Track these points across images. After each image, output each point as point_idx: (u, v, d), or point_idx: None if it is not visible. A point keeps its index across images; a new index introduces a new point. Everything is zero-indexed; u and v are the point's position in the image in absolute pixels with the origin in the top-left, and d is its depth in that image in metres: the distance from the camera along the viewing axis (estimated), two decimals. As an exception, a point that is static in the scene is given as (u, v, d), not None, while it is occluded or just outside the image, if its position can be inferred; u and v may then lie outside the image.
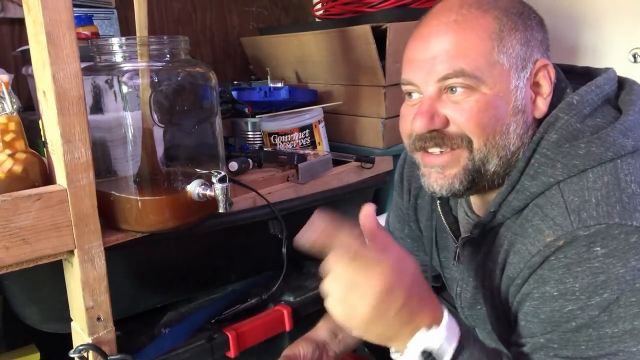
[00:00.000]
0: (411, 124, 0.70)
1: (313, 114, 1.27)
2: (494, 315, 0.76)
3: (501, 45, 0.66)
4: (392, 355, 0.63)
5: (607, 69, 0.73)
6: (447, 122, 0.68)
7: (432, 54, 0.67)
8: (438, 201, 0.83)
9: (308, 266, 1.24)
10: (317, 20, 1.53)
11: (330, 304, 0.59)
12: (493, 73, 0.66)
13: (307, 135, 1.25)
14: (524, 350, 0.66)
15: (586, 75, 0.76)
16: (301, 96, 1.35)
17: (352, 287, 0.57)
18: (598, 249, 0.60)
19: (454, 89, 0.67)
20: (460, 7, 0.68)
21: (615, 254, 0.59)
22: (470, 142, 0.67)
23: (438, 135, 0.68)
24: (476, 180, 0.70)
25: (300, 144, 1.25)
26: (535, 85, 0.69)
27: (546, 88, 0.69)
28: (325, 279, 0.60)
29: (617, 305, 0.59)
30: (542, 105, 0.69)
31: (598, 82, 0.69)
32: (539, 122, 0.69)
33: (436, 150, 0.70)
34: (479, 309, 0.82)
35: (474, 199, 0.78)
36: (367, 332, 0.59)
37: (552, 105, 0.69)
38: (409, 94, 0.73)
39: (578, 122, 0.66)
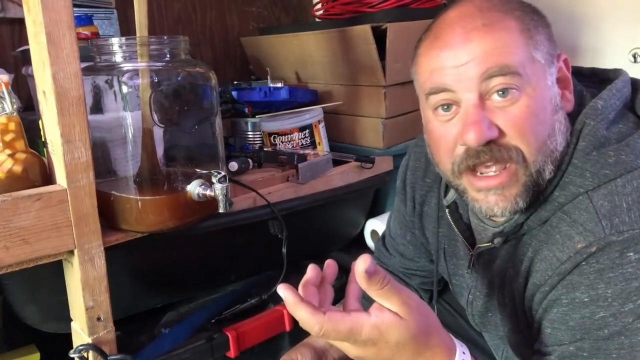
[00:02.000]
0: (463, 137, 0.63)
1: (313, 114, 1.27)
2: (512, 324, 0.75)
3: (533, 42, 0.63)
4: None
5: (616, 71, 0.72)
6: (500, 133, 0.62)
7: (468, 59, 0.62)
8: (447, 209, 0.81)
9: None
10: (317, 20, 1.53)
11: None
12: (535, 70, 0.63)
13: (307, 135, 1.25)
14: (551, 358, 0.64)
15: (593, 76, 0.75)
16: (301, 96, 1.35)
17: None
18: (631, 254, 0.58)
19: (500, 93, 0.62)
20: (482, 12, 0.64)
21: None
22: (522, 154, 0.63)
23: (495, 148, 0.62)
24: (536, 194, 0.65)
25: (300, 144, 1.25)
26: (559, 81, 0.67)
27: (569, 80, 0.68)
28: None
29: None
30: (571, 98, 0.67)
31: (618, 86, 0.68)
32: (569, 116, 0.67)
33: (490, 167, 0.64)
34: (490, 317, 0.81)
35: None
36: None
37: (575, 111, 0.67)
38: (441, 108, 0.66)
39: (604, 128, 0.64)
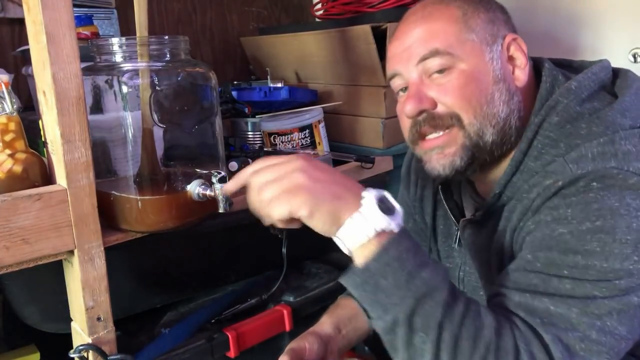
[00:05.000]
0: (403, 110, 0.75)
1: (313, 114, 1.27)
2: None
3: (467, 26, 0.72)
4: (346, 226, 0.60)
5: (601, 61, 0.76)
6: (435, 104, 0.72)
7: (408, 45, 0.74)
8: (440, 186, 0.85)
9: (308, 266, 1.24)
10: (317, 20, 1.53)
11: (269, 195, 0.60)
12: (465, 49, 0.72)
13: (307, 135, 1.25)
14: (506, 270, 0.66)
15: (582, 68, 0.79)
16: (301, 96, 1.35)
17: (280, 172, 0.61)
18: (595, 183, 0.62)
19: (438, 71, 0.72)
20: (424, 7, 0.76)
21: (611, 189, 0.61)
22: (460, 119, 0.71)
23: (429, 117, 0.73)
24: (476, 155, 0.73)
25: (300, 144, 1.25)
26: (510, 59, 0.74)
27: (521, 59, 0.74)
28: (251, 176, 0.63)
29: (612, 239, 0.59)
30: (521, 74, 0.74)
31: (594, 70, 0.73)
32: (522, 91, 0.74)
33: (433, 134, 0.74)
34: (482, 295, 0.82)
35: (478, 182, 0.79)
36: (319, 199, 0.59)
37: (548, 92, 0.72)
38: (400, 91, 0.78)
39: (577, 105, 0.69)
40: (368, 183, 1.24)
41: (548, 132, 0.69)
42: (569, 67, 0.79)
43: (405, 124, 0.77)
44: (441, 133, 0.73)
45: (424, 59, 0.72)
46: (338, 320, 0.90)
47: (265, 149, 1.21)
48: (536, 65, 0.78)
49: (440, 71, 0.72)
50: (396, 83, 0.78)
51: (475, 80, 0.71)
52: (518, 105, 0.73)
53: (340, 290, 1.17)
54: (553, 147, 0.68)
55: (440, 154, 0.74)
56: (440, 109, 0.72)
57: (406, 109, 0.73)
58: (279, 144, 1.24)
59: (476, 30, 0.73)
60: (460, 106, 0.71)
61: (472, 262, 0.81)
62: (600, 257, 0.59)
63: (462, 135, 0.72)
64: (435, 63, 0.72)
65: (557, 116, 0.69)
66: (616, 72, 0.77)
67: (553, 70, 0.75)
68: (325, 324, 0.88)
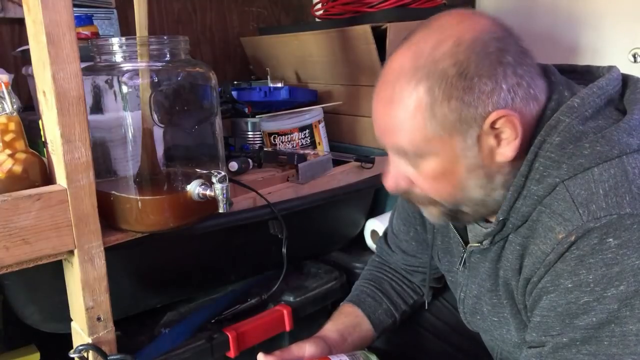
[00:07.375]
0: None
1: (313, 114, 1.27)
2: (516, 322, 0.75)
3: (433, 119, 0.64)
4: None
5: (609, 68, 0.72)
6: (411, 182, 0.71)
7: (379, 127, 0.70)
8: None
9: (308, 266, 1.24)
10: (317, 20, 1.53)
11: None
12: (433, 145, 0.66)
13: (307, 135, 1.25)
14: (544, 350, 0.65)
15: (587, 74, 0.75)
16: (301, 96, 1.35)
17: None
18: (611, 240, 0.59)
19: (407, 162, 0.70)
20: (396, 80, 0.66)
21: (629, 245, 0.58)
22: (434, 200, 0.71)
23: (407, 192, 0.73)
24: (460, 216, 0.72)
25: (300, 144, 1.25)
26: (497, 135, 0.65)
27: (509, 133, 0.65)
28: None
29: (639, 300, 0.58)
30: (508, 150, 0.66)
31: (600, 84, 0.67)
32: (511, 162, 0.67)
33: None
34: (478, 319, 0.82)
35: None
36: None
37: (552, 110, 0.67)
38: None
39: (580, 124, 0.64)
40: (368, 183, 1.25)
41: (549, 153, 0.64)
42: (574, 73, 0.75)
43: None
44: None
45: (392, 151, 0.70)
46: (343, 328, 0.90)
47: (265, 149, 1.21)
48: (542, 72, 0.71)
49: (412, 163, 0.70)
50: None
51: (445, 173, 0.67)
52: (504, 178, 0.68)
53: (340, 291, 1.17)
54: (555, 169, 0.64)
55: (426, 212, 0.75)
56: (416, 189, 0.71)
57: (385, 184, 0.73)
58: (279, 144, 1.24)
59: (445, 122, 0.64)
60: (433, 196, 0.70)
61: (474, 288, 0.80)
62: (633, 320, 0.59)
63: (440, 208, 0.72)
64: (404, 157, 0.69)
65: (559, 136, 0.64)
66: (625, 81, 0.71)
67: (559, 86, 0.69)
68: (329, 331, 0.88)
